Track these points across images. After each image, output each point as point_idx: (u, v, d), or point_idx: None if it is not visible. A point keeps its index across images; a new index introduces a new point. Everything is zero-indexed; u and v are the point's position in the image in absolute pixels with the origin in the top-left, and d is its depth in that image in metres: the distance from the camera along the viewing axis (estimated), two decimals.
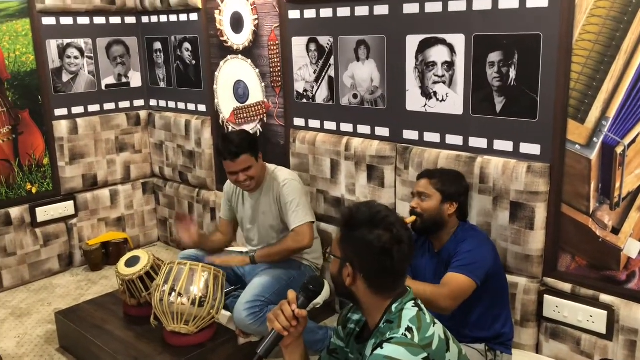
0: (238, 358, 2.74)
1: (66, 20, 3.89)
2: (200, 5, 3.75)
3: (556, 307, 2.42)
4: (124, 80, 4.26)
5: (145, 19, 4.21)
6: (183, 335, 2.62)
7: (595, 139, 2.24)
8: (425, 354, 1.44)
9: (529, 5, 2.32)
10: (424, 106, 2.75)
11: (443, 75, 2.64)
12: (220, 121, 3.84)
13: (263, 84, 3.51)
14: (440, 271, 2.26)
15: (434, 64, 2.66)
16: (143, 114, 4.35)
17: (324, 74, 3.15)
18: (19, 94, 3.74)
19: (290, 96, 3.36)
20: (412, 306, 1.55)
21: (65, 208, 4.00)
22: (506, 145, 2.50)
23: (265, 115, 3.55)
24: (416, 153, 2.77)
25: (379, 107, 2.94)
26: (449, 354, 1.52)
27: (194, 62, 3.93)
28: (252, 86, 3.58)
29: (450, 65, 2.61)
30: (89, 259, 4.03)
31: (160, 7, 3.98)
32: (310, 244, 2.80)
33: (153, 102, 4.37)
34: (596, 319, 2.32)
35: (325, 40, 3.09)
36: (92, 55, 4.06)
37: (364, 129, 3.04)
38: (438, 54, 2.64)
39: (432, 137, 2.76)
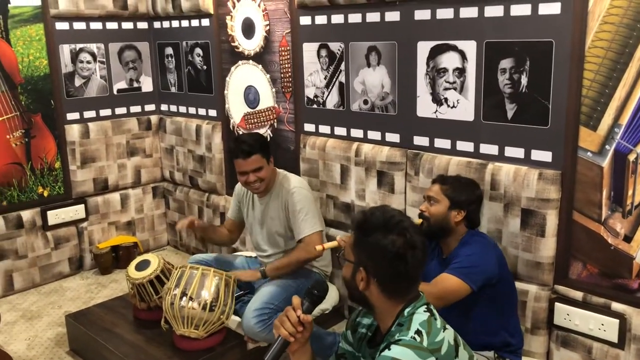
0: None
1: (79, 25, 3.93)
2: (212, 11, 3.78)
3: (567, 315, 2.41)
4: (135, 85, 4.29)
5: (157, 25, 4.25)
6: (192, 339, 2.62)
7: (607, 147, 2.23)
8: (433, 358, 1.44)
9: (541, 12, 2.32)
10: (435, 112, 2.75)
11: (454, 82, 2.65)
12: (231, 126, 3.86)
13: (274, 90, 3.53)
14: None
15: (445, 70, 2.67)
16: (154, 118, 4.38)
17: (334, 79, 3.17)
18: (32, 98, 3.77)
19: (300, 102, 3.37)
20: (424, 311, 1.55)
21: (76, 211, 4.02)
22: (517, 152, 2.50)
23: (275, 120, 3.57)
24: (427, 159, 2.77)
25: (390, 113, 2.95)
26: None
27: (205, 67, 3.96)
28: (263, 91, 3.60)
29: (461, 71, 2.61)
30: (99, 262, 4.05)
31: (172, 13, 4.01)
32: (321, 254, 2.77)
33: (164, 107, 4.40)
34: (608, 328, 2.30)
35: (336, 46, 3.11)
36: (104, 60, 4.09)
37: (374, 134, 3.04)
38: (449, 60, 2.64)
39: (442, 143, 2.76)
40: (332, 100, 3.20)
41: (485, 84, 2.54)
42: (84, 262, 4.12)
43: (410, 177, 2.86)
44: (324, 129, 3.28)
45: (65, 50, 3.89)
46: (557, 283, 2.45)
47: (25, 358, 3.03)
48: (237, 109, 3.80)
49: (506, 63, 2.45)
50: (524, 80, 2.41)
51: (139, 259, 2.97)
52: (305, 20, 3.22)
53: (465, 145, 2.67)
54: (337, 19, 3.06)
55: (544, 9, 2.31)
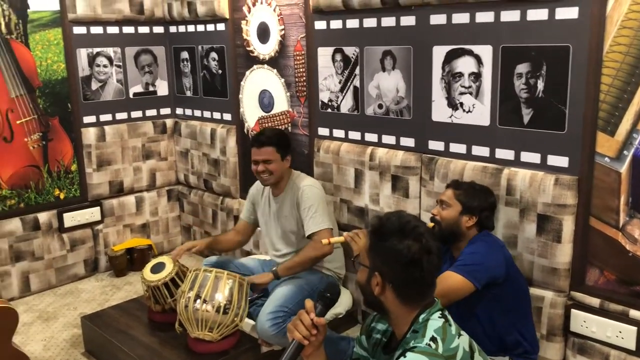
0: None
1: (96, 30, 3.97)
2: (227, 16, 3.80)
3: (584, 322, 2.39)
4: (151, 88, 4.33)
5: (173, 29, 4.28)
6: (206, 342, 2.63)
7: (625, 152, 2.21)
8: None
9: (558, 16, 2.31)
10: (450, 117, 2.74)
11: (470, 86, 2.64)
12: (245, 130, 3.88)
13: (288, 94, 3.54)
14: None
15: (461, 74, 2.66)
16: (169, 122, 4.41)
17: (349, 84, 3.17)
18: (49, 101, 3.82)
19: (315, 106, 3.38)
20: (439, 317, 1.54)
21: (91, 214, 4.06)
22: (533, 157, 2.48)
23: (289, 124, 3.58)
24: (442, 164, 2.76)
25: (405, 117, 2.94)
26: None
27: (220, 71, 3.98)
28: (277, 95, 3.61)
29: (477, 76, 2.60)
30: (113, 264, 4.08)
31: (188, 17, 4.04)
32: (331, 250, 2.79)
33: (179, 111, 4.43)
34: (625, 335, 2.28)
35: (351, 51, 3.11)
36: (121, 64, 4.13)
37: (388, 139, 3.04)
38: (465, 64, 2.63)
39: (458, 148, 2.74)
40: (346, 104, 3.20)
41: (501, 88, 2.53)
42: (99, 264, 4.15)
43: (425, 182, 2.85)
44: (338, 133, 3.28)
45: (82, 54, 3.93)
46: (574, 289, 2.43)
47: (41, 359, 3.06)
48: (251, 112, 3.82)
49: (522, 68, 2.44)
50: (541, 85, 2.40)
51: (154, 261, 2.98)
52: (320, 24, 3.23)
53: (481, 150, 2.66)
54: (352, 23, 3.07)
55: (561, 14, 2.29)
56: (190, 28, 4.13)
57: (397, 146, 3.00)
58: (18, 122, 3.70)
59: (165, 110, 4.42)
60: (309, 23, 3.28)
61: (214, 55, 4.00)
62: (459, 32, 2.63)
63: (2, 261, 3.68)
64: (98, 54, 4.01)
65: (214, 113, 4.13)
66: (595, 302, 2.37)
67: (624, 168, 2.22)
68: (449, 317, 1.57)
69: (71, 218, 3.96)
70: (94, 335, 3.00)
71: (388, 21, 2.90)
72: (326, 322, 1.61)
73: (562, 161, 2.40)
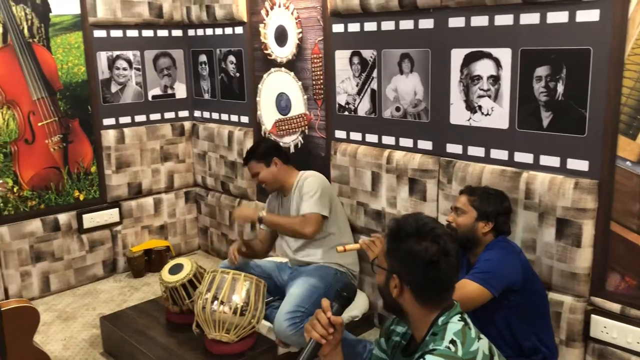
0: None
1: (116, 33, 4.02)
2: (245, 19, 3.82)
3: (604, 328, 2.36)
4: (169, 91, 4.37)
5: (191, 32, 4.32)
6: (224, 343, 2.64)
7: None
8: None
9: (578, 19, 2.29)
10: (469, 120, 2.73)
11: (488, 89, 2.62)
12: (262, 132, 3.90)
13: (305, 97, 3.55)
14: None
15: (479, 77, 2.65)
16: (187, 124, 4.45)
17: (366, 86, 3.17)
18: (70, 103, 3.87)
19: (332, 109, 3.38)
20: (458, 320, 1.53)
21: (110, 215, 4.10)
22: (553, 161, 2.46)
23: (306, 127, 3.59)
24: (460, 167, 2.75)
25: (422, 120, 2.94)
26: None
27: (237, 74, 4.01)
28: (295, 98, 3.62)
29: (496, 79, 2.59)
30: (131, 265, 4.12)
31: (206, 21, 4.07)
32: (312, 235, 2.85)
33: (197, 113, 4.46)
34: None
35: (368, 54, 3.11)
36: (140, 67, 4.18)
37: (406, 142, 3.04)
38: (483, 67, 2.62)
39: (476, 151, 2.73)
40: (363, 107, 3.20)
41: (520, 91, 2.51)
42: (117, 265, 4.20)
43: (442, 185, 2.84)
44: (355, 135, 3.28)
45: (102, 57, 3.98)
46: (594, 295, 2.40)
47: (61, 358, 3.09)
48: (268, 115, 3.83)
49: (542, 71, 2.42)
50: (560, 88, 2.38)
51: (172, 262, 3.01)
52: (337, 27, 3.23)
53: (500, 154, 2.64)
54: (370, 26, 3.07)
55: (582, 17, 2.27)
56: (209, 31, 4.17)
57: (414, 149, 3.00)
58: (39, 124, 3.75)
59: (184, 113, 4.46)
60: (327, 26, 3.29)
61: (231, 58, 4.02)
62: (478, 35, 2.62)
63: (23, 261, 3.73)
64: (118, 57, 4.06)
65: (232, 116, 4.15)
66: (615, 307, 2.34)
67: None
68: (469, 320, 1.56)
69: (90, 219, 4.00)
70: (113, 336, 3.03)
71: (406, 24, 2.90)
72: (343, 321, 1.61)
73: (582, 165, 2.37)
